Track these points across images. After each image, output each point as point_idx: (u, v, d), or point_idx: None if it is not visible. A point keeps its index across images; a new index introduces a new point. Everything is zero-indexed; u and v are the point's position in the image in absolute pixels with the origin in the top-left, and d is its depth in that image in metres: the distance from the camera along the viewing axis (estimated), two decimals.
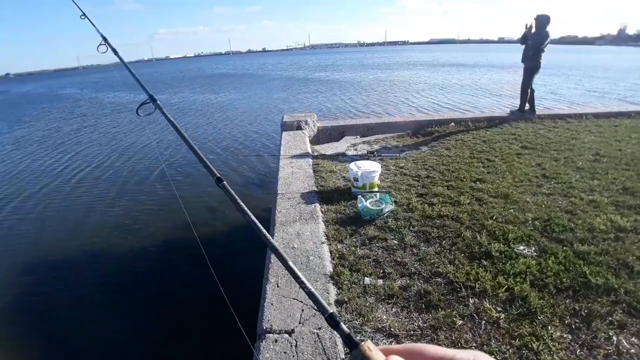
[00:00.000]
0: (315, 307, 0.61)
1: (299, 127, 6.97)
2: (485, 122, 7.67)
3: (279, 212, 3.65)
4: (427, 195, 4.18)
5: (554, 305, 2.51)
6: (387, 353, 0.42)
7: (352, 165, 4.15)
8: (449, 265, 2.92)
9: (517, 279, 2.74)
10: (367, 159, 5.61)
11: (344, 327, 0.50)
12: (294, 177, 4.55)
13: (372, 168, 4.10)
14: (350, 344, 0.45)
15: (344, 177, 4.75)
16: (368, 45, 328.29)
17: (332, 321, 0.53)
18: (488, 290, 2.64)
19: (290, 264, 0.61)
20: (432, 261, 2.99)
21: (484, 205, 3.92)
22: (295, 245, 3.05)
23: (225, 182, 0.85)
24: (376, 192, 4.08)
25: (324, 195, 4.12)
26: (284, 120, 7.16)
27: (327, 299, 2.46)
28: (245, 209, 0.74)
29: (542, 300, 2.55)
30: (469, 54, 70.24)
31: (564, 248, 3.12)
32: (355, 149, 6.32)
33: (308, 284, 0.58)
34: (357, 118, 10.80)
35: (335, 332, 0.70)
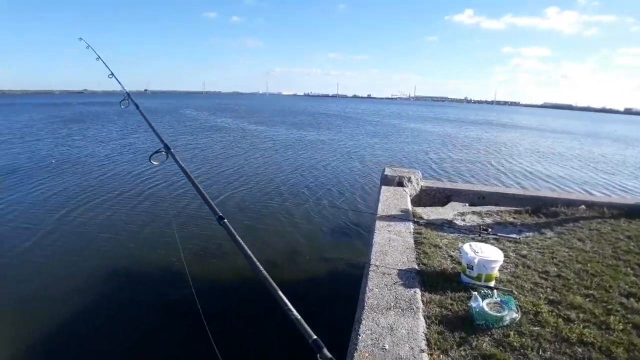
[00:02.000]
0: (302, 333, 0.58)
1: (400, 184, 6.36)
2: (625, 210, 6.30)
3: (369, 290, 3.03)
4: (561, 305, 3.23)
5: None
6: None
7: (466, 248, 3.39)
8: None
9: None
10: (479, 235, 4.77)
11: (327, 352, 0.58)
12: (391, 245, 3.91)
13: (492, 256, 3.30)
14: None
15: (451, 256, 3.98)
16: (475, 102, 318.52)
17: (316, 346, 0.59)
18: None
19: (280, 294, 0.70)
20: None
21: None
22: (387, 346, 2.39)
23: (226, 220, 0.89)
24: (494, 288, 3.26)
25: (427, 278, 3.40)
26: (385, 173, 6.60)
27: None
28: (244, 246, 0.81)
29: None
30: (590, 123, 63.96)
31: None
32: (464, 220, 5.50)
33: (294, 311, 0.67)
34: (465, 182, 9.83)
35: None
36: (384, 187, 6.23)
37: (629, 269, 4.12)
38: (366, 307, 2.80)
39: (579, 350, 2.67)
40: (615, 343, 2.77)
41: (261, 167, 13.51)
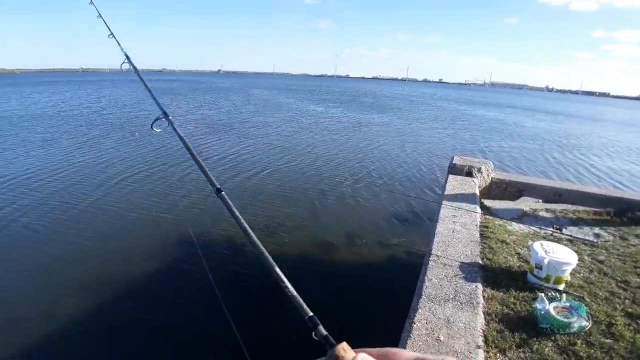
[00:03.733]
0: (298, 309, 0.60)
1: (469, 174, 6.10)
2: None
3: (428, 279, 2.99)
4: None
5: None
6: (359, 352, 0.46)
7: (537, 247, 3.21)
8: None
9: None
10: (552, 234, 4.49)
11: (322, 329, 0.55)
12: (455, 236, 3.80)
13: (565, 258, 3.09)
14: (327, 344, 0.50)
15: (519, 254, 3.78)
16: (558, 91, 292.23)
17: (312, 323, 0.57)
18: None
19: (277, 270, 0.67)
20: None
21: None
22: (442, 338, 2.36)
23: (224, 192, 0.88)
24: (564, 292, 3.06)
25: (490, 274, 3.28)
26: (454, 161, 6.36)
27: None
28: (242, 220, 0.80)
29: None
30: None
31: None
32: (536, 216, 5.18)
33: (291, 288, 0.63)
34: (540, 177, 9.20)
35: None
36: (451, 176, 6.02)
37: None
38: (423, 297, 2.77)
39: None
40: None
41: (323, 150, 13.55)
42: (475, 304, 2.73)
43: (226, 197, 0.89)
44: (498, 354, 2.41)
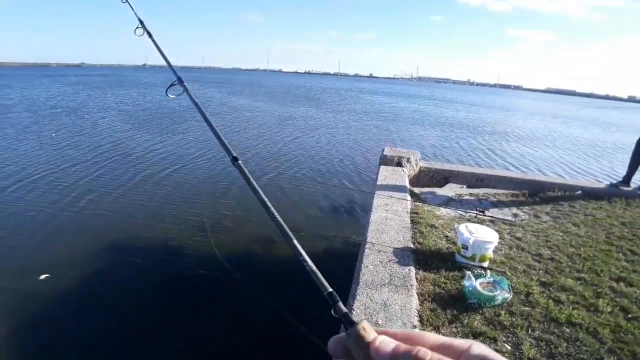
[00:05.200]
0: (317, 284, 0.57)
1: (399, 164, 6.36)
2: (623, 198, 6.34)
3: (365, 267, 3.07)
4: (553, 287, 3.29)
5: None
6: (381, 334, 0.45)
7: (462, 229, 3.43)
8: None
9: None
10: (475, 216, 4.81)
11: (342, 306, 0.52)
12: (388, 224, 3.94)
13: (487, 237, 3.33)
14: (347, 322, 0.48)
15: (447, 236, 4.02)
16: (478, 84, 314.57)
17: (332, 299, 0.54)
18: None
19: (295, 242, 0.65)
20: None
21: (633, 321, 2.94)
22: (380, 321, 2.44)
23: (240, 161, 0.84)
24: (488, 268, 3.31)
25: (421, 257, 3.45)
26: (384, 153, 6.59)
27: None
28: (258, 189, 0.75)
29: None
30: (595, 110, 63.44)
31: None
32: (461, 201, 5.53)
33: (310, 262, 0.61)
34: (464, 164, 9.82)
35: None
36: (382, 167, 6.23)
37: (620, 254, 4.18)
38: (361, 284, 2.84)
39: (567, 330, 2.74)
40: (602, 324, 2.84)
41: (255, 143, 13.35)
42: (410, 287, 2.86)
43: (242, 165, 0.84)
44: (433, 331, 2.53)
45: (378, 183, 5.38)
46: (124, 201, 7.61)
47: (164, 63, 1.58)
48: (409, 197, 4.94)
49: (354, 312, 2.53)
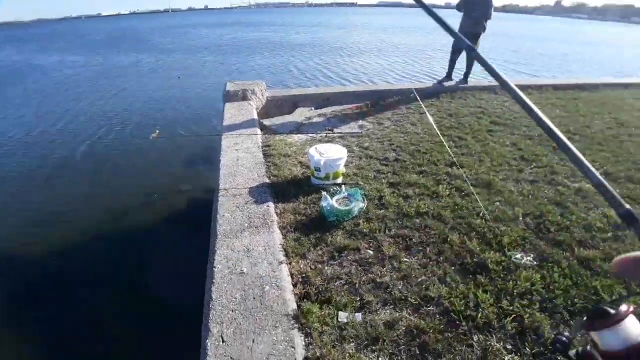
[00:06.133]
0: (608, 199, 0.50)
1: (245, 98, 6.04)
2: (448, 93, 7.14)
3: (221, 216, 2.85)
4: (401, 185, 3.54)
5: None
6: None
7: (312, 151, 3.39)
8: (440, 285, 2.33)
9: (524, 302, 2.21)
10: (326, 135, 4.88)
11: None
12: (240, 164, 3.72)
13: (337, 154, 3.37)
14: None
15: (301, 162, 3.99)
16: (316, 5, 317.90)
17: (629, 216, 0.49)
18: (493, 322, 2.08)
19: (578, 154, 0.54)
20: (419, 279, 2.38)
21: (466, 197, 3.36)
22: (244, 269, 2.31)
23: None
24: (342, 184, 3.38)
25: (279, 189, 3.35)
26: (227, 89, 6.17)
27: (294, 356, 1.77)
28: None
29: (555, 331, 2.04)
30: (417, 17, 69.64)
31: (565, 254, 2.64)
32: (312, 124, 5.55)
33: (597, 174, 0.52)
34: (311, 87, 9.89)
35: None
36: (227, 105, 5.85)
37: (451, 142, 4.71)
38: (219, 235, 2.64)
39: (417, 221, 2.99)
40: (443, 207, 3.17)
41: (80, 106, 11.07)
42: (270, 223, 2.76)
43: None
44: (300, 261, 2.51)
45: (225, 123, 5.05)
46: None
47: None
48: (259, 131, 4.75)
49: (215, 268, 2.34)
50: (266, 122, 5.50)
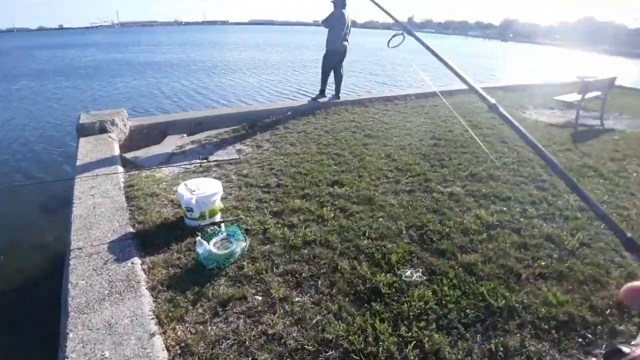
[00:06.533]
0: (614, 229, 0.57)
1: (103, 130, 5.31)
2: (323, 109, 7.25)
3: (73, 285, 2.31)
4: (285, 214, 3.35)
5: (469, 352, 2.02)
6: None
7: (181, 190, 3.00)
8: (336, 323, 2.17)
9: (421, 324, 2.17)
10: (200, 166, 4.49)
11: None
12: (97, 212, 3.15)
13: (210, 190, 3.03)
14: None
15: (172, 200, 3.54)
16: (187, 24, 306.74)
17: (630, 244, 0.54)
18: (395, 354, 1.99)
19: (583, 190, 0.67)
20: (314, 320, 2.19)
21: (350, 217, 3.31)
22: (107, 354, 1.85)
23: None
24: (221, 222, 3.04)
25: (146, 239, 2.87)
26: (81, 121, 5.36)
27: None
28: None
29: (455, 349, 2.03)
30: (289, 35, 71.61)
31: (450, 262, 2.72)
32: (184, 153, 5.09)
33: (600, 207, 0.60)
34: (180, 112, 9.24)
35: None
36: (82, 140, 5.06)
37: (330, 160, 4.71)
38: (71, 312, 2.11)
39: (305, 251, 2.82)
40: (330, 232, 3.06)
41: None
42: (137, 285, 2.32)
43: None
44: (177, 326, 2.13)
45: (79, 163, 4.31)
46: None
47: None
48: (120, 169, 4.15)
49: (69, 358, 1.84)
50: (129, 156, 4.87)
